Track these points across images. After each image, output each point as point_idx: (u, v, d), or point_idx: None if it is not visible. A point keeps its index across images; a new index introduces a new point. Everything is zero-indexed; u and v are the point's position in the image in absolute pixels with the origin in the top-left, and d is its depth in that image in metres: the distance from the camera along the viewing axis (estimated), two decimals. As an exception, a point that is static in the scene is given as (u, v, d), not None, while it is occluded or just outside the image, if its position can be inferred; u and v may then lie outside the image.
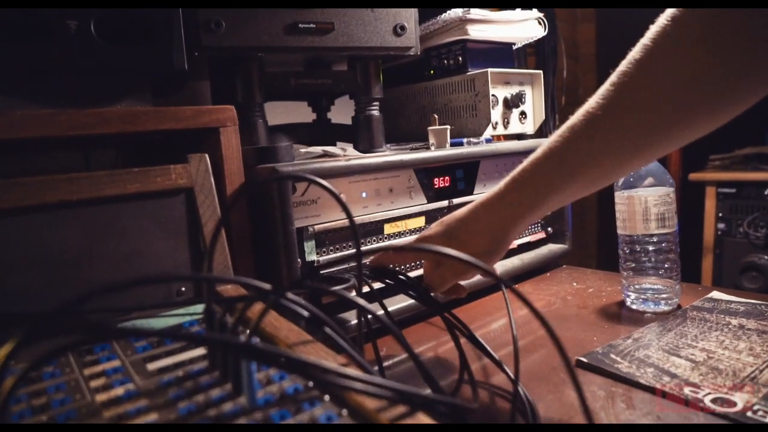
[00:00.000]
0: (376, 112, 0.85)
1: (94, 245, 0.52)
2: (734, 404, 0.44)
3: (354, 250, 0.66)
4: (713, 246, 1.74)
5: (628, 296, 0.70)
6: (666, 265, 0.68)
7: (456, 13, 0.93)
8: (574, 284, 0.82)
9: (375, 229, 0.71)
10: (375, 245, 0.70)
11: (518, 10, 1.00)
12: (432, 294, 0.56)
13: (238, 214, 0.62)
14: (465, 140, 0.85)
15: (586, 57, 2.36)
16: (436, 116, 0.85)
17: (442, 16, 0.95)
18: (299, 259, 0.62)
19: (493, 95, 0.91)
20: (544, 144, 0.49)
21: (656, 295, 0.67)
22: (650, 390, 0.47)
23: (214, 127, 0.61)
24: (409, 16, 0.78)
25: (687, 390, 0.46)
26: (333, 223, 0.65)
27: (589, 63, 2.36)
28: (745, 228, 1.65)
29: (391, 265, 0.60)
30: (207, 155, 0.59)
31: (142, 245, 0.54)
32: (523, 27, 1.01)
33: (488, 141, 0.88)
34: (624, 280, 0.71)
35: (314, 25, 0.72)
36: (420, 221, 0.76)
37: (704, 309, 0.66)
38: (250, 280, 0.34)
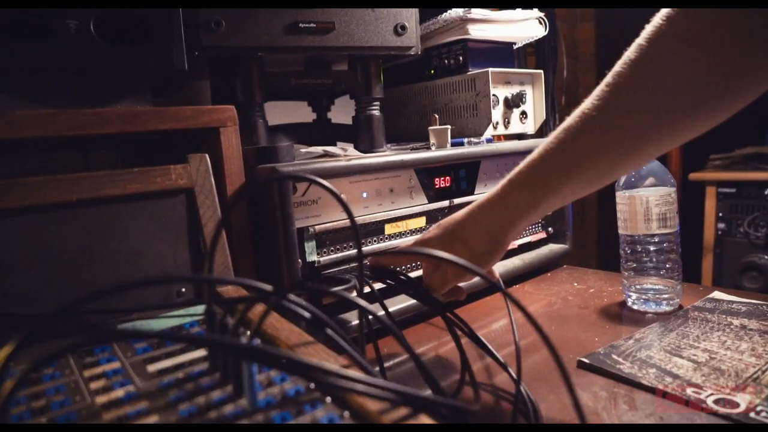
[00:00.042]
0: (376, 112, 0.85)
1: (94, 245, 0.51)
2: (737, 405, 0.43)
3: (355, 251, 0.66)
4: (713, 246, 1.74)
5: (630, 296, 0.70)
6: (667, 265, 0.68)
7: (457, 12, 0.93)
8: (575, 284, 0.82)
9: (376, 229, 0.70)
10: (376, 246, 0.70)
11: (519, 9, 1.00)
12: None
13: (238, 215, 0.62)
14: (466, 140, 0.85)
15: (586, 57, 2.36)
16: (437, 116, 0.84)
17: (443, 15, 0.95)
18: (300, 260, 0.62)
19: (493, 95, 0.91)
20: (540, 145, 0.49)
21: (657, 296, 0.67)
22: (652, 391, 0.47)
23: (215, 127, 0.61)
24: (409, 15, 0.78)
25: (689, 391, 0.46)
26: (334, 224, 0.65)
27: (589, 63, 2.36)
28: (745, 228, 1.65)
29: (390, 266, 0.60)
30: (207, 155, 0.59)
31: (142, 246, 0.54)
32: (524, 26, 1.00)
33: (489, 141, 0.88)
34: (625, 281, 0.71)
35: (315, 25, 0.72)
36: (421, 221, 0.75)
37: (706, 309, 0.66)
38: (252, 281, 0.34)
